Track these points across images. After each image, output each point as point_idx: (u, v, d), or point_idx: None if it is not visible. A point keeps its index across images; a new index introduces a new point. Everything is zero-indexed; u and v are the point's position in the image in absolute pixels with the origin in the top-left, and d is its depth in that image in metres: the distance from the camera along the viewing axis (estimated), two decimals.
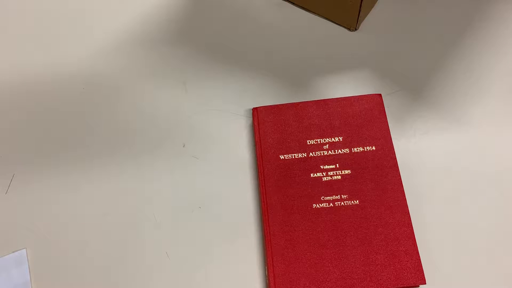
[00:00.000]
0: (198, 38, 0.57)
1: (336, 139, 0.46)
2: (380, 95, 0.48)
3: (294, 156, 0.45)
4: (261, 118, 0.48)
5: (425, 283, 0.39)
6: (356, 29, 0.55)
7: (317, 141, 0.46)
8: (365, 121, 0.46)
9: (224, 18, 0.58)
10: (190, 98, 0.53)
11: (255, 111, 0.48)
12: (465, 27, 0.54)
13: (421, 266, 0.39)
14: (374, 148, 0.45)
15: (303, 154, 0.45)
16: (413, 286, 0.39)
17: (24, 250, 0.45)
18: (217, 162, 0.49)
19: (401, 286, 0.39)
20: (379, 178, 0.43)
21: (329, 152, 0.45)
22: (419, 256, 0.40)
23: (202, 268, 0.44)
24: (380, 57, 0.53)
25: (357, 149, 0.45)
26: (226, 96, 0.53)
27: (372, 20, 0.56)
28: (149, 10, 0.60)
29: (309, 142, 0.46)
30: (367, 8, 0.54)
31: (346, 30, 0.56)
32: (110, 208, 0.47)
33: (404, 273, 0.39)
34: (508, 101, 0.49)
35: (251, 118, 0.51)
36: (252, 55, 0.55)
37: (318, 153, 0.45)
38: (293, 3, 0.58)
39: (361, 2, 0.50)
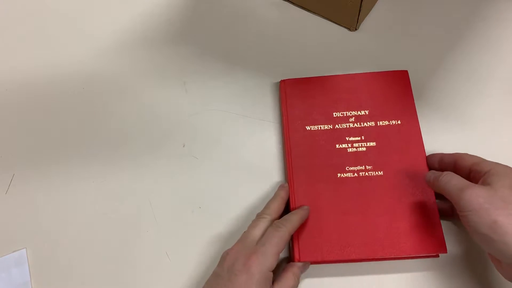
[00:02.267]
0: (198, 38, 0.57)
1: (362, 112, 0.46)
2: (406, 71, 0.48)
3: (320, 127, 0.46)
4: (288, 90, 0.48)
5: (446, 252, 0.39)
6: (356, 29, 0.55)
7: (343, 113, 0.46)
8: (391, 96, 0.46)
9: (224, 18, 0.58)
10: (190, 98, 0.53)
11: (283, 84, 0.49)
12: (465, 27, 0.54)
13: (443, 235, 0.39)
14: (399, 122, 0.45)
15: (329, 125, 0.46)
16: (434, 255, 0.40)
17: (24, 250, 0.45)
18: (217, 162, 0.49)
19: (423, 254, 0.39)
20: (404, 151, 0.43)
21: (355, 124, 0.45)
22: (441, 225, 0.40)
23: (202, 268, 0.44)
24: (380, 57, 0.53)
25: (383, 123, 0.45)
26: (226, 96, 0.53)
27: (372, 20, 0.56)
28: (149, 10, 0.60)
29: (335, 114, 0.46)
30: (367, 8, 0.54)
31: (346, 30, 0.56)
32: (110, 208, 0.47)
33: (427, 241, 0.39)
34: (508, 101, 0.49)
35: (252, 118, 0.51)
36: (252, 55, 0.55)
37: (344, 125, 0.45)
38: (293, 3, 0.58)
39: (361, 2, 0.50)
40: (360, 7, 0.50)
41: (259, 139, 0.49)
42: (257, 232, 0.39)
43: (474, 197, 0.33)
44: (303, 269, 0.40)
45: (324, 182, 0.43)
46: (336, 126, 0.45)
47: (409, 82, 0.47)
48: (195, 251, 0.44)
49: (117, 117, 0.52)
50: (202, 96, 0.53)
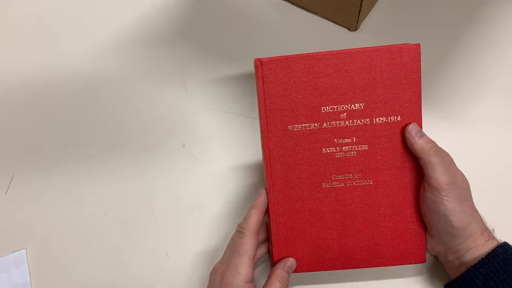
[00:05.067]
0: (198, 38, 0.57)
1: (357, 105, 0.38)
2: (418, 45, 0.38)
3: (305, 127, 0.39)
4: (266, 74, 0.38)
5: (425, 261, 0.39)
6: (356, 29, 0.55)
7: (334, 108, 0.38)
8: (395, 80, 0.38)
9: (223, 18, 0.58)
10: (190, 98, 0.53)
11: (259, 65, 0.38)
12: (465, 27, 0.54)
13: (424, 248, 0.39)
14: (399, 118, 0.38)
15: (315, 124, 0.38)
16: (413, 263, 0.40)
17: (24, 250, 0.45)
18: (217, 162, 0.49)
19: (401, 264, 0.39)
20: (399, 155, 0.38)
21: (347, 122, 0.38)
22: (424, 238, 0.39)
23: (202, 268, 0.44)
24: None
25: (380, 119, 0.38)
26: (226, 96, 0.53)
27: (372, 20, 0.56)
28: (149, 10, 0.60)
29: (324, 109, 0.38)
30: (367, 8, 0.54)
31: (346, 30, 0.56)
32: (110, 208, 0.47)
33: (407, 253, 0.39)
34: (508, 101, 0.49)
35: (251, 118, 0.51)
36: (252, 55, 0.55)
37: (333, 123, 0.38)
38: (293, 3, 0.58)
39: (361, 2, 0.50)
40: (360, 7, 0.50)
41: (259, 139, 0.49)
42: (240, 248, 0.37)
43: (456, 189, 0.36)
44: (289, 270, 0.38)
45: (307, 193, 0.39)
46: (324, 124, 0.38)
47: (419, 61, 0.38)
48: (195, 251, 0.44)
49: (117, 117, 0.52)
50: (202, 96, 0.53)
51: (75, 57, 0.57)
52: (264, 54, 0.55)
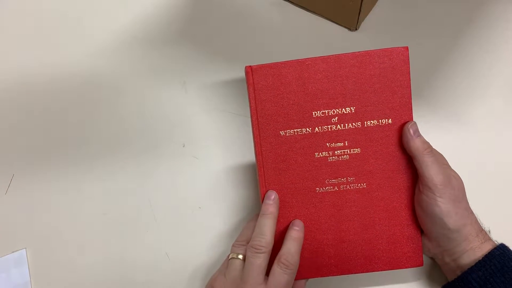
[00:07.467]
0: (198, 38, 0.57)
1: (348, 109, 0.38)
2: (406, 48, 0.38)
3: (297, 132, 0.39)
4: (257, 81, 0.39)
5: (422, 265, 0.39)
6: (356, 29, 0.55)
7: (325, 112, 0.39)
8: (385, 83, 0.38)
9: (224, 18, 0.58)
10: (190, 98, 0.53)
11: (249, 72, 0.39)
12: (465, 27, 0.54)
13: (421, 251, 0.39)
14: (390, 121, 0.38)
15: (307, 129, 0.39)
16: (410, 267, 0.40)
17: (24, 250, 0.45)
18: (217, 162, 0.49)
19: (398, 268, 0.39)
20: (391, 157, 0.39)
21: (338, 126, 0.39)
22: (421, 241, 0.39)
23: (202, 268, 0.44)
24: None
25: (371, 123, 0.38)
26: (226, 95, 0.53)
27: (372, 20, 0.56)
28: (149, 10, 0.60)
29: (315, 114, 0.39)
30: (367, 8, 0.54)
31: (346, 30, 0.56)
32: (110, 208, 0.47)
33: (404, 257, 0.39)
34: (508, 101, 0.49)
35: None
36: (252, 55, 0.55)
37: (325, 128, 0.39)
38: (293, 3, 0.58)
39: (361, 2, 0.50)
40: (360, 7, 0.50)
41: None
42: (257, 270, 0.34)
43: (451, 189, 0.36)
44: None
45: (301, 198, 0.39)
46: (316, 129, 0.39)
47: (408, 63, 0.38)
48: (195, 251, 0.44)
49: (117, 117, 0.52)
50: (202, 96, 0.53)
51: (75, 57, 0.57)
52: (264, 54, 0.55)
